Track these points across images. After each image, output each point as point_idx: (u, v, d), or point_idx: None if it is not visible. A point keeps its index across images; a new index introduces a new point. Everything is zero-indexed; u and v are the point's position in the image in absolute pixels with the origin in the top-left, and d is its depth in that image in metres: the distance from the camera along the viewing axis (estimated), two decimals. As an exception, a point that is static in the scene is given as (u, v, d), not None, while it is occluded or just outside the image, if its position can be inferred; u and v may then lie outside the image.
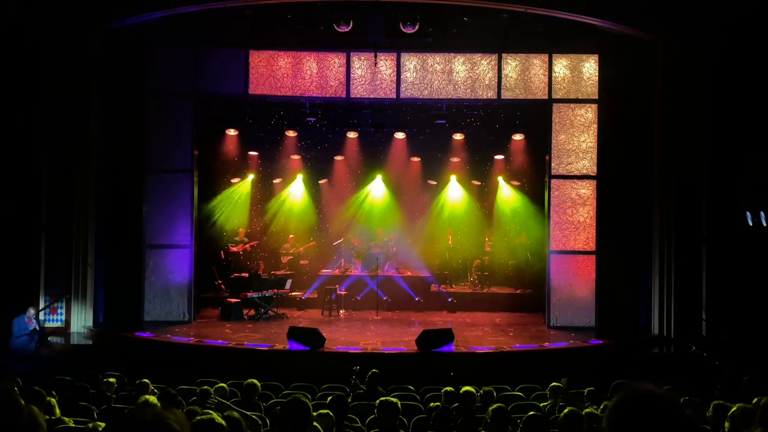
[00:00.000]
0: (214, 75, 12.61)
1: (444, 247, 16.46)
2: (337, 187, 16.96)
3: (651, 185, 12.19)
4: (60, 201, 11.72)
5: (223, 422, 2.98)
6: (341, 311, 14.01)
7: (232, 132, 14.84)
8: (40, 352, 10.49)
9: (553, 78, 12.60)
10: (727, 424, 4.35)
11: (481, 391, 6.58)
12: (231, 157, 15.21)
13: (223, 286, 14.68)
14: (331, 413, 4.84)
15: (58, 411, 5.48)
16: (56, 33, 11.47)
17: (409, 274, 15.33)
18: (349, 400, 6.51)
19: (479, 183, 16.84)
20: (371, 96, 12.82)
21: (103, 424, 4.47)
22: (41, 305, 11.59)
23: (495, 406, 4.82)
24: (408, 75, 12.62)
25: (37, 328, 10.73)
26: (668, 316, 11.80)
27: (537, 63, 12.62)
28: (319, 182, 16.94)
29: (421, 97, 12.76)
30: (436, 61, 12.62)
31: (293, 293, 14.28)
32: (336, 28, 11.61)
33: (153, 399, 5.11)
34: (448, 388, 6.55)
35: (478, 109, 13.71)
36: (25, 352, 10.29)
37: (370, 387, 7.14)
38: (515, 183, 15.87)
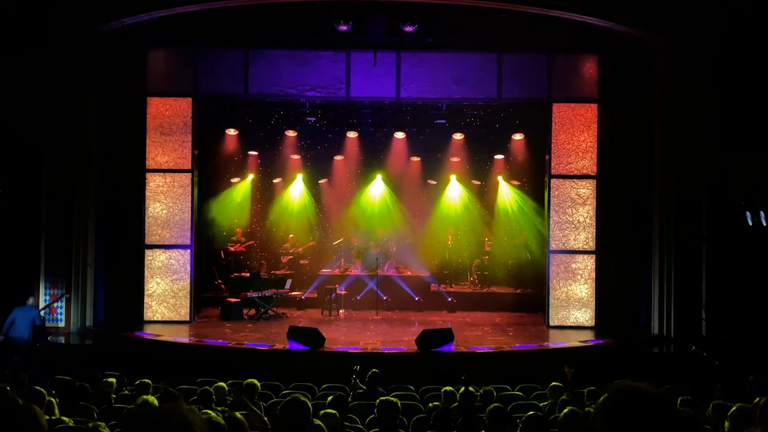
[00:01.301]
0: (214, 75, 12.62)
1: (444, 247, 16.45)
2: (337, 186, 16.95)
3: (651, 185, 12.19)
4: (60, 201, 11.71)
5: (222, 421, 2.98)
6: (341, 311, 14.01)
7: (232, 132, 14.84)
8: (38, 346, 10.38)
9: (553, 78, 12.59)
10: (727, 424, 4.35)
11: (481, 391, 6.58)
12: (231, 157, 15.21)
13: (223, 285, 14.69)
14: (336, 413, 4.84)
15: (57, 411, 5.48)
16: (56, 33, 11.46)
17: (409, 274, 15.32)
18: (349, 399, 6.51)
19: (479, 183, 16.84)
20: (371, 96, 12.83)
21: (102, 424, 4.47)
22: (41, 305, 11.58)
23: (492, 406, 4.82)
24: (408, 75, 12.61)
25: (39, 321, 10.60)
26: (668, 316, 11.79)
27: (537, 63, 12.61)
28: (319, 182, 16.94)
29: (421, 97, 12.76)
30: (436, 60, 12.60)
31: (293, 293, 14.27)
32: (336, 28, 11.62)
33: (153, 399, 5.11)
34: (448, 388, 6.54)
35: (478, 109, 13.72)
36: (23, 344, 10.13)
37: (370, 387, 7.14)
38: (515, 183, 15.87)
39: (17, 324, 10.14)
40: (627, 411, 1.74)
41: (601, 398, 1.81)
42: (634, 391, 1.76)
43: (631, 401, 1.74)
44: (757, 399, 4.57)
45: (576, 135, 12.62)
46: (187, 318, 12.56)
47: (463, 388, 6.17)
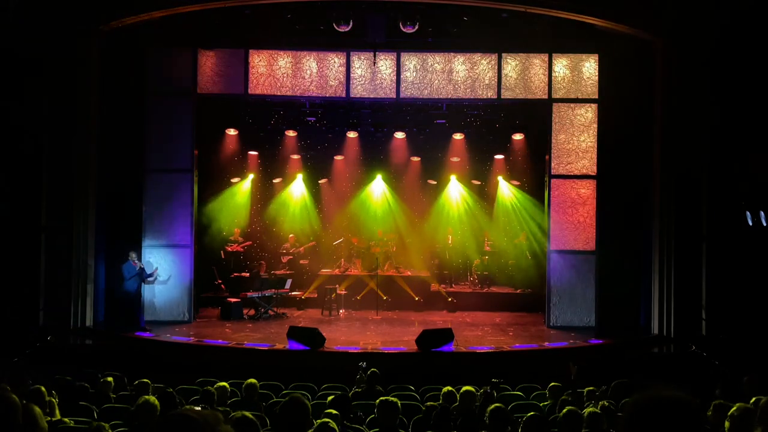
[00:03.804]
0: (214, 75, 12.62)
1: (444, 247, 16.46)
2: (337, 186, 16.96)
3: (651, 185, 12.19)
4: (60, 201, 11.70)
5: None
6: (341, 311, 14.01)
7: (232, 132, 14.85)
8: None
9: (553, 78, 12.59)
10: (727, 424, 4.34)
11: (481, 391, 6.58)
12: (231, 157, 15.21)
13: (223, 285, 14.68)
14: (338, 413, 4.84)
15: (58, 411, 5.48)
16: (56, 32, 11.46)
17: (409, 274, 15.32)
18: (351, 394, 6.52)
19: (479, 183, 16.84)
20: (371, 96, 12.82)
21: (106, 425, 4.47)
22: (41, 305, 11.57)
23: (493, 406, 4.81)
24: (408, 75, 12.62)
25: (143, 268, 11.79)
26: (668, 316, 11.79)
27: (537, 63, 12.62)
28: (319, 182, 16.94)
29: (421, 96, 12.76)
30: (436, 60, 12.62)
31: (293, 293, 14.27)
32: (336, 27, 11.61)
33: (153, 399, 5.11)
34: (448, 388, 6.55)
35: (478, 108, 13.72)
36: (133, 293, 11.68)
37: (369, 386, 7.14)
38: (515, 183, 15.87)
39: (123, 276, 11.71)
40: (655, 418, 1.74)
41: (629, 405, 1.82)
42: (662, 398, 1.76)
43: (659, 408, 1.75)
44: (754, 399, 4.58)
45: (576, 135, 12.62)
46: (187, 318, 12.56)
47: (466, 388, 6.16)
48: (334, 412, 4.81)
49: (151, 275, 12.11)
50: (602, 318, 12.35)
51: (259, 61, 12.61)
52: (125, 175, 12.42)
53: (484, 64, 12.61)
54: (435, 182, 16.80)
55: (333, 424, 3.89)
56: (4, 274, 11.21)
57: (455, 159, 16.09)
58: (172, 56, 12.58)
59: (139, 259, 12.05)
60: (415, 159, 16.46)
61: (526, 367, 9.82)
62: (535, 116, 13.39)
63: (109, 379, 7.16)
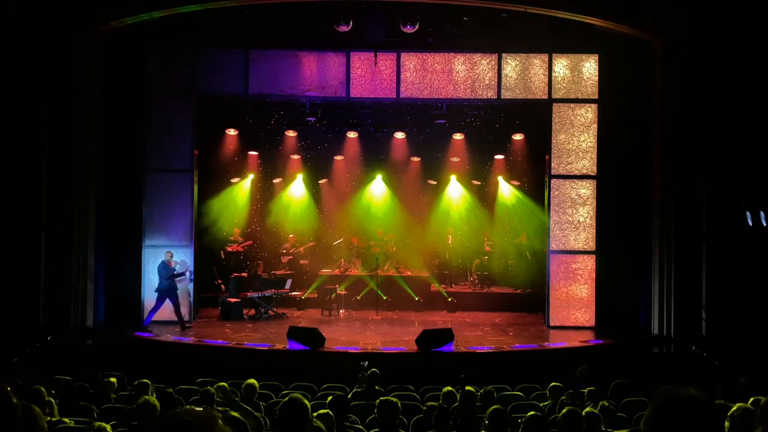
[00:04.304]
0: (214, 75, 12.61)
1: (444, 247, 16.45)
2: (337, 186, 16.95)
3: (651, 185, 12.19)
4: (60, 201, 11.70)
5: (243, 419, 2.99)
6: (341, 311, 14.01)
7: (232, 132, 14.84)
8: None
9: (553, 78, 12.60)
10: (727, 424, 4.34)
11: (481, 391, 6.59)
12: (231, 157, 15.20)
13: (223, 286, 14.69)
14: (331, 413, 4.84)
15: (57, 411, 5.48)
16: (56, 32, 11.46)
17: (409, 274, 15.32)
18: (351, 394, 6.51)
19: (479, 183, 16.83)
20: (371, 96, 12.82)
21: (107, 426, 4.47)
22: (41, 305, 11.57)
23: (492, 408, 4.81)
24: (408, 75, 12.62)
25: (177, 270, 12.00)
26: (668, 316, 11.79)
27: (537, 63, 12.63)
28: (319, 182, 16.93)
29: (421, 97, 12.76)
30: (436, 61, 12.62)
31: (293, 293, 14.27)
32: (336, 28, 11.62)
33: (153, 399, 5.11)
34: (448, 388, 6.55)
35: (478, 109, 13.72)
36: (166, 293, 11.82)
37: (369, 386, 7.15)
38: (515, 183, 15.86)
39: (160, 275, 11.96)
40: (677, 417, 1.75)
41: (652, 403, 1.84)
42: (684, 397, 1.77)
43: (681, 408, 1.76)
44: (754, 399, 4.57)
45: (576, 135, 12.62)
46: (187, 318, 12.55)
47: (466, 388, 6.17)
48: (324, 411, 4.80)
49: (182, 274, 12.15)
50: (602, 318, 12.36)
51: (259, 61, 12.61)
52: (125, 175, 12.42)
53: (484, 65, 12.61)
54: (435, 182, 16.78)
55: (318, 423, 3.90)
56: (4, 274, 11.22)
57: (455, 159, 16.07)
58: (172, 56, 12.57)
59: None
60: (415, 159, 16.44)
61: (526, 367, 9.83)
62: (535, 116, 13.39)
63: (112, 380, 7.16)
